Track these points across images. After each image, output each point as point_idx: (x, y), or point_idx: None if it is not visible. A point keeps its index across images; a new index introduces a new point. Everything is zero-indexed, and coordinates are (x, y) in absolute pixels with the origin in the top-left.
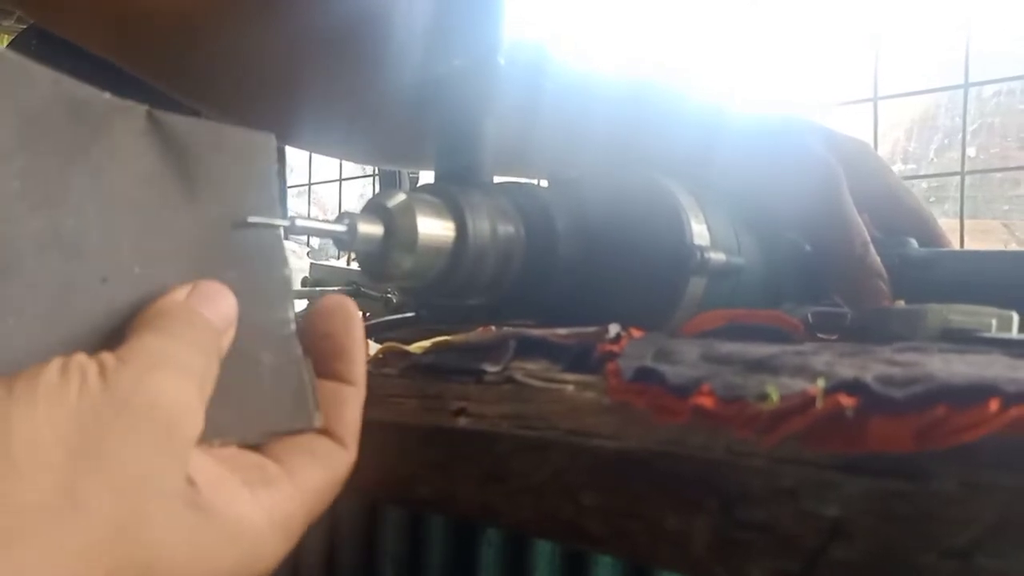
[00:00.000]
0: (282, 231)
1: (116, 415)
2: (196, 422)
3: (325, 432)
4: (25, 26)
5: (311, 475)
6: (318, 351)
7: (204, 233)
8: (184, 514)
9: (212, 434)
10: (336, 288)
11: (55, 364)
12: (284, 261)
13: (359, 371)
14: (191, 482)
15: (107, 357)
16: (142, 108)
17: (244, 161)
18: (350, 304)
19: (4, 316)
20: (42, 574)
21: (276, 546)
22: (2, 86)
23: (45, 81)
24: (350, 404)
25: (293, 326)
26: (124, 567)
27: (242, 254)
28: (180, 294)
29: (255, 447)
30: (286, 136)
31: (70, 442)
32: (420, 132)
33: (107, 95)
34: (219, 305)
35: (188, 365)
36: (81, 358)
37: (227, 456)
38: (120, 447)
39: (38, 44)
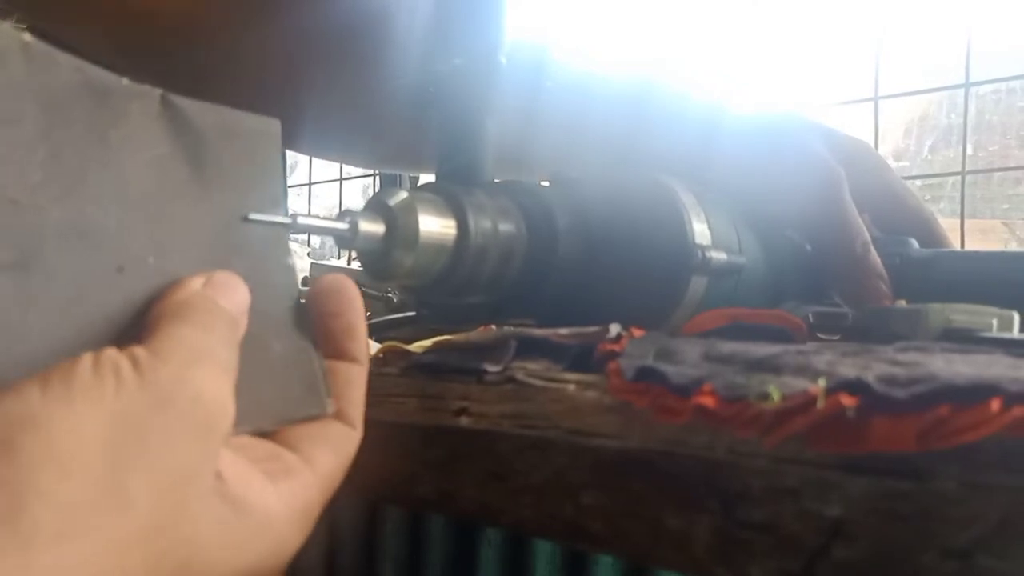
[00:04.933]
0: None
1: (157, 411)
2: (231, 416)
3: (336, 415)
4: (25, 26)
5: (326, 461)
6: (325, 331)
7: (213, 222)
8: (218, 508)
9: None
10: None
11: (87, 360)
12: (287, 250)
13: (364, 348)
14: (220, 477)
15: (139, 351)
16: (157, 92)
17: (251, 147)
18: (351, 283)
19: (24, 309)
20: (87, 571)
21: (297, 535)
22: (26, 75)
23: (68, 68)
24: (357, 383)
25: (303, 312)
26: (163, 562)
27: (249, 243)
28: (197, 283)
29: (268, 435)
30: (287, 139)
31: (111, 439)
32: (421, 134)
33: (125, 80)
34: (234, 295)
35: (223, 358)
36: (112, 353)
37: (244, 446)
38: (162, 443)
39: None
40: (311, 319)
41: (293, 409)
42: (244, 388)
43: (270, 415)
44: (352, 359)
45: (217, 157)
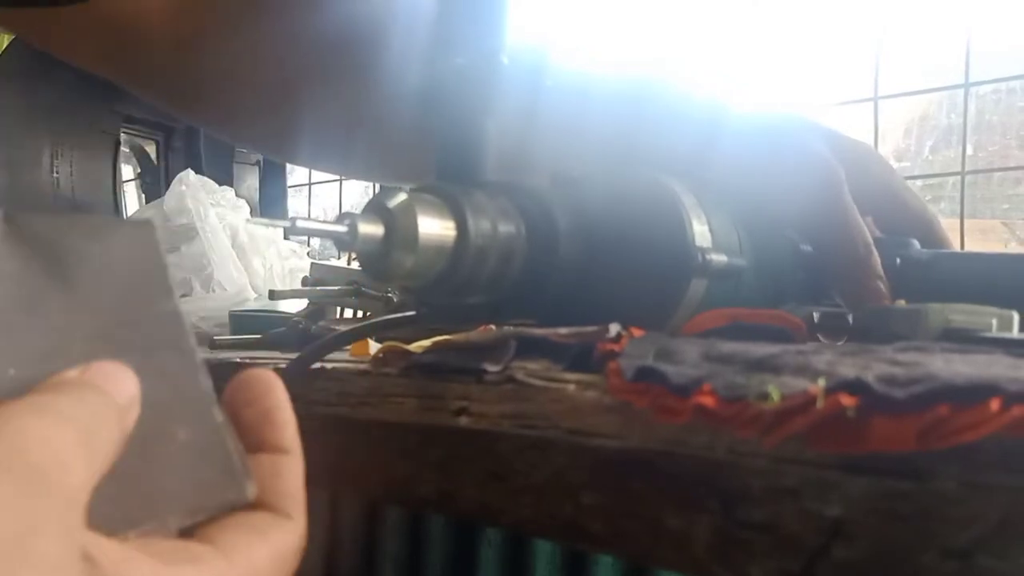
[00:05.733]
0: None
1: None
2: (79, 473)
3: (263, 506)
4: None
5: (251, 549)
6: (243, 423)
7: (92, 326)
8: None
9: (125, 526)
10: (336, 287)
11: None
12: (187, 333)
13: (291, 436)
14: (89, 559)
15: None
16: None
17: (126, 246)
18: (268, 372)
19: None
20: None
21: None
22: None
23: None
24: (287, 473)
25: (210, 395)
26: None
27: (141, 336)
28: (71, 373)
29: (188, 535)
30: (284, 151)
31: None
32: (420, 143)
33: None
34: (118, 381)
35: (69, 414)
36: None
37: (142, 544)
38: None
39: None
40: (222, 401)
41: (207, 497)
42: (143, 484)
43: (179, 509)
44: (275, 449)
45: (85, 263)
